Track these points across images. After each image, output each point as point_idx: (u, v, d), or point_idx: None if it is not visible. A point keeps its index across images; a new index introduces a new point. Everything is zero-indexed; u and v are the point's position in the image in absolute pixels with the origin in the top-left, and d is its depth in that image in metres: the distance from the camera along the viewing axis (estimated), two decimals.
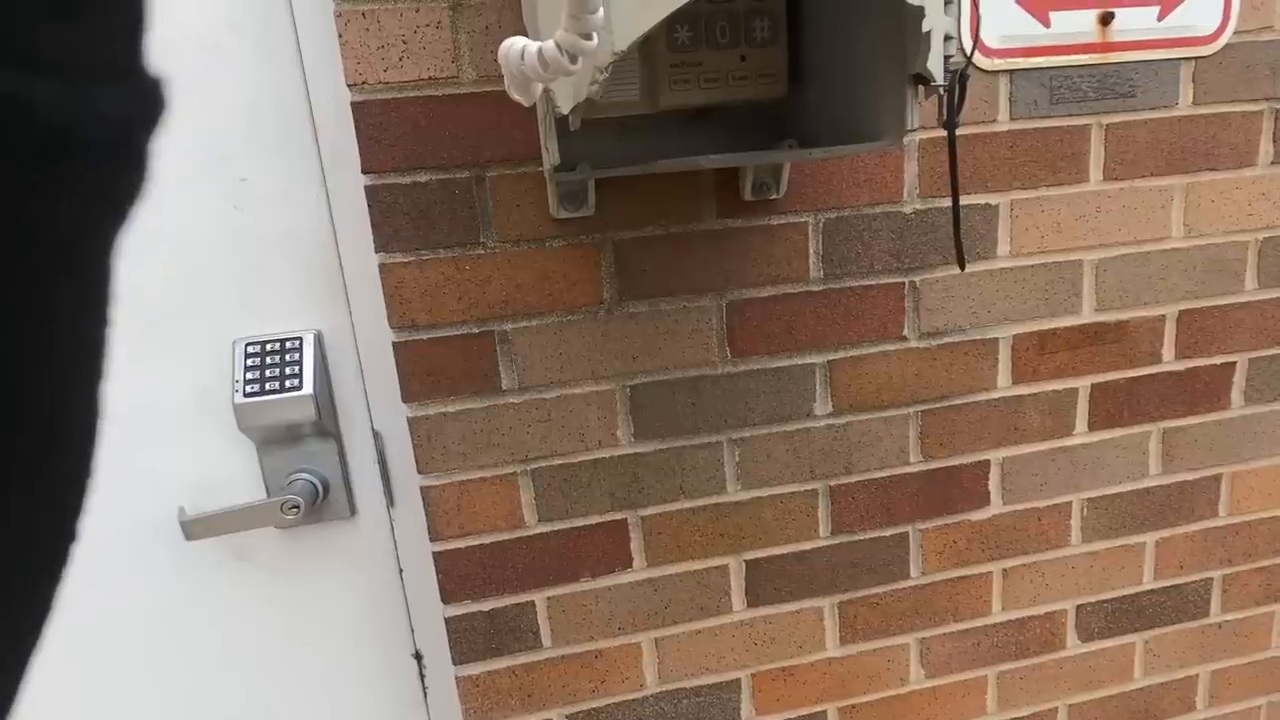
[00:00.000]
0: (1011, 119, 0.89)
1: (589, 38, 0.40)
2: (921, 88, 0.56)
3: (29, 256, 0.14)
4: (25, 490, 0.15)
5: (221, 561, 0.92)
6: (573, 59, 0.41)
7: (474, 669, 0.90)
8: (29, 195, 0.14)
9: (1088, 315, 0.97)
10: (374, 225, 0.78)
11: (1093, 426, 1.00)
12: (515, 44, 0.44)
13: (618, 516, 0.90)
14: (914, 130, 0.62)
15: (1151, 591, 1.08)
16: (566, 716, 0.93)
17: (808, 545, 0.96)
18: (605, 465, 0.88)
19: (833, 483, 0.95)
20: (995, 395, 0.97)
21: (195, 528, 0.85)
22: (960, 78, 0.54)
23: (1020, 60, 0.88)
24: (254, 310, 0.87)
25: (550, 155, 0.62)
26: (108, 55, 0.15)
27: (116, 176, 0.16)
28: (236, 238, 0.86)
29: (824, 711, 1.01)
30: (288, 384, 0.86)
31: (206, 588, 0.92)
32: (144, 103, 0.16)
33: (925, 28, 0.51)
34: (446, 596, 0.87)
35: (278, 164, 0.85)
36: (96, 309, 0.16)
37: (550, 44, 0.41)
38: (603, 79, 0.46)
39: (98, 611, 0.90)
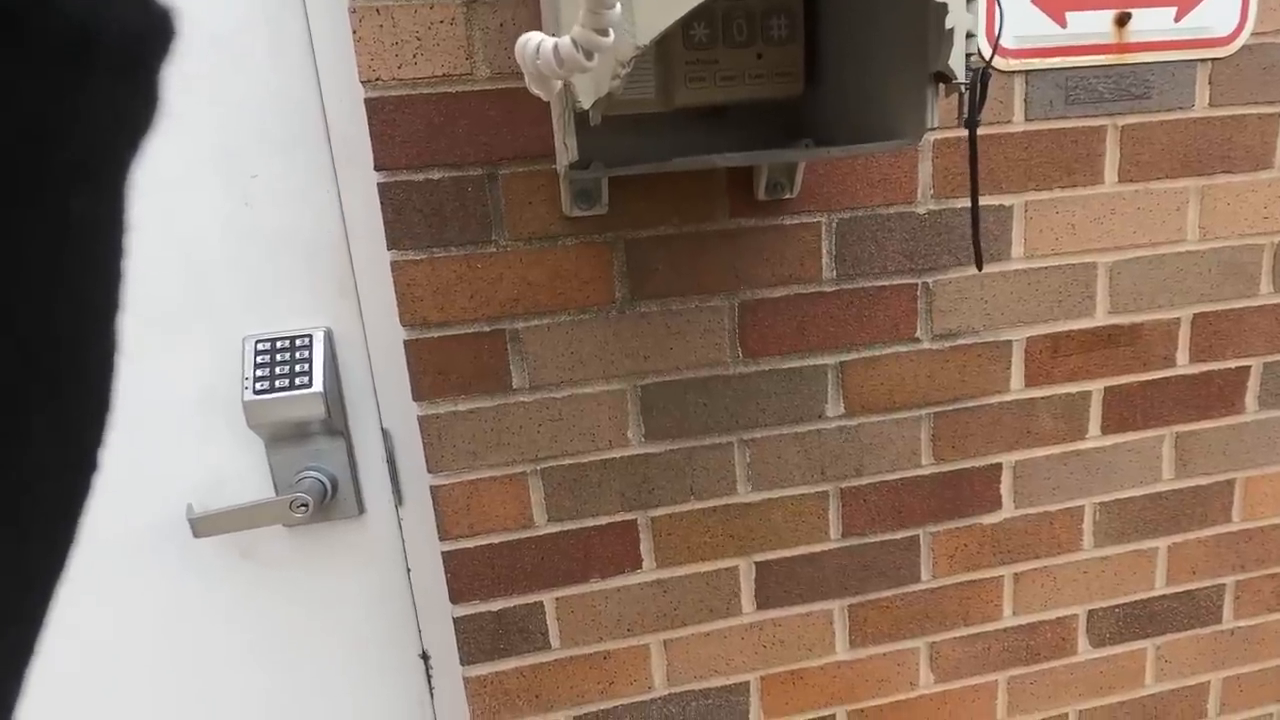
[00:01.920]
0: (1027, 120, 0.89)
1: (605, 34, 0.39)
2: (942, 86, 0.55)
3: (48, 166, 0.14)
4: (46, 411, 0.15)
5: (229, 559, 0.92)
6: (589, 55, 0.41)
7: (482, 669, 0.89)
8: (50, 97, 0.14)
9: (1101, 318, 0.96)
10: (386, 223, 0.78)
11: (1105, 430, 1.00)
12: (531, 40, 0.44)
13: (628, 517, 0.89)
14: (931, 130, 0.61)
15: (1164, 597, 1.07)
16: (574, 718, 0.93)
17: (818, 547, 0.95)
18: (615, 465, 0.88)
19: (844, 485, 0.94)
20: (1008, 398, 0.96)
21: (203, 525, 0.85)
22: (982, 76, 0.53)
23: (1036, 61, 0.87)
24: (264, 307, 0.87)
25: (569, 151, 0.62)
26: None
27: (132, 97, 0.15)
28: (247, 234, 0.85)
29: (833, 715, 1.00)
30: (297, 381, 0.85)
31: (214, 585, 0.92)
32: (156, 25, 0.16)
33: (948, 25, 0.51)
34: (455, 596, 0.87)
35: (289, 160, 0.85)
36: (113, 234, 0.16)
37: (566, 40, 0.41)
38: (624, 73, 0.45)
39: (104, 608, 0.90)
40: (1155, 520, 1.04)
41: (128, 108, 0.16)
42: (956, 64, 0.52)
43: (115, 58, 0.15)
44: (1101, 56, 0.88)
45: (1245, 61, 0.92)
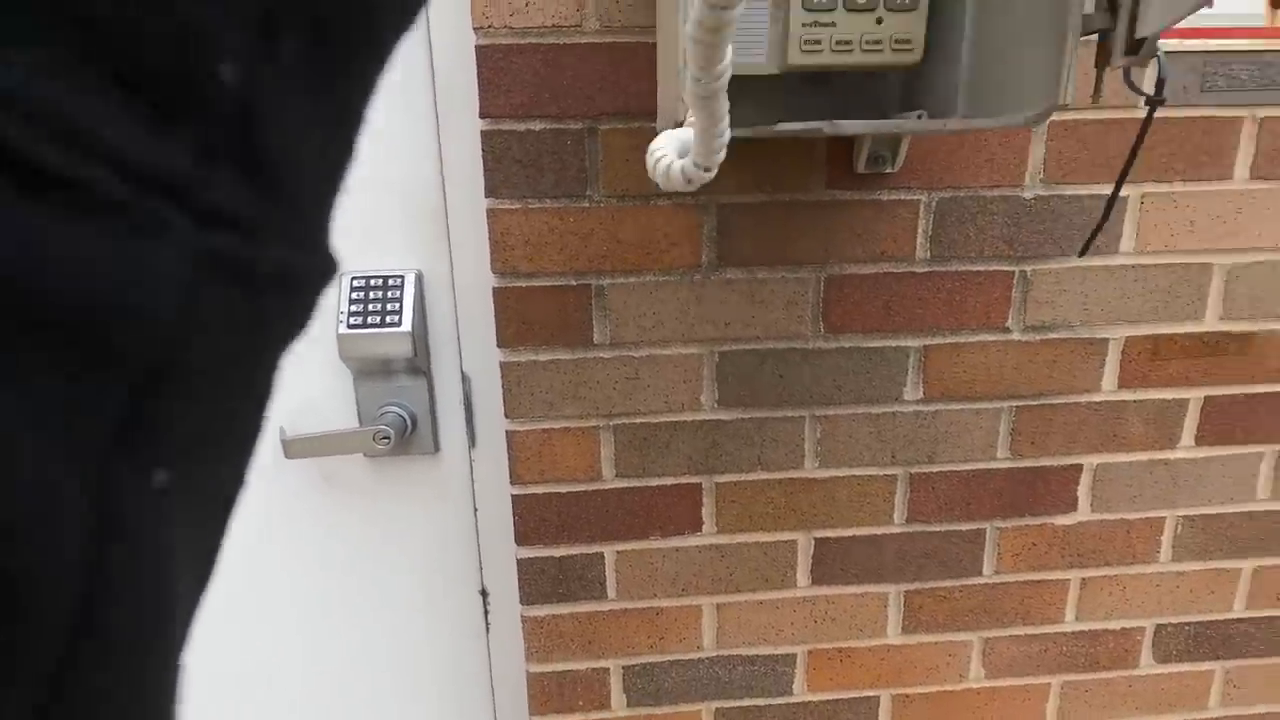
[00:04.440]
0: None
1: (710, 170, 0.46)
2: (1126, 58, 0.52)
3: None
4: None
5: (311, 482, 0.98)
6: (707, 170, 0.46)
7: (540, 610, 0.93)
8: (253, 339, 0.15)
9: (1210, 323, 0.91)
10: (486, 171, 0.79)
11: (1200, 441, 0.95)
12: (657, 154, 0.50)
13: (693, 480, 0.90)
14: (1061, 107, 0.58)
15: (1241, 620, 1.03)
16: (623, 667, 0.96)
17: (880, 530, 0.94)
18: (686, 428, 0.88)
19: (914, 470, 0.92)
20: (1098, 398, 0.92)
21: (295, 447, 0.90)
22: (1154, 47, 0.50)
23: (1173, 41, 0.81)
24: (361, 245, 0.90)
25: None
26: (310, 230, 0.16)
27: (291, 329, 0.17)
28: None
29: (877, 696, 1.01)
30: (388, 320, 0.89)
31: (299, 503, 0.98)
32: (326, 270, 0.17)
33: None
34: (520, 538, 0.90)
35: (393, 105, 0.87)
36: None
37: (688, 162, 0.47)
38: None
39: None
40: (1242, 540, 0.99)
41: (286, 337, 0.17)
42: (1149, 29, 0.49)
43: (294, 305, 0.16)
44: (1249, 40, 0.82)
45: None
